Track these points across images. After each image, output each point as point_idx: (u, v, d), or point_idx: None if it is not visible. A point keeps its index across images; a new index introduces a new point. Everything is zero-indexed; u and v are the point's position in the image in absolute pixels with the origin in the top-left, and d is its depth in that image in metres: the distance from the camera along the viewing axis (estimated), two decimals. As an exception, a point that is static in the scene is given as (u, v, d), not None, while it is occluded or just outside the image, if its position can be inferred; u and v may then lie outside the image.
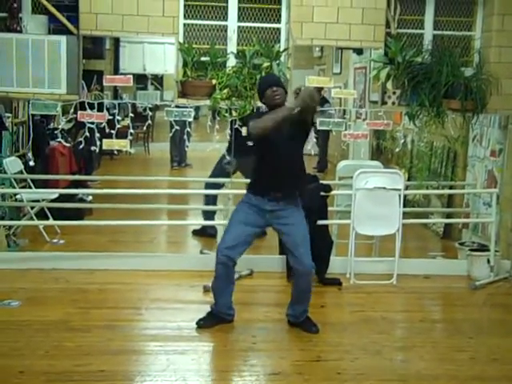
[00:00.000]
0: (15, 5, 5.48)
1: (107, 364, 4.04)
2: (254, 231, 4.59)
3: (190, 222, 7.55)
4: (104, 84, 7.94)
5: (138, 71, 11.73)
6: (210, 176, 6.94)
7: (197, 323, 4.68)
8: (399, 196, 5.77)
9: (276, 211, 4.51)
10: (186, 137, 6.13)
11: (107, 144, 5.71)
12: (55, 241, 6.60)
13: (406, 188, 6.53)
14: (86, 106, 5.62)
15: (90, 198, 7.85)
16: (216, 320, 4.70)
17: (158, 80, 15.53)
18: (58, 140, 5.97)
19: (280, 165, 4.41)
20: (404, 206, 5.94)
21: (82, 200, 7.67)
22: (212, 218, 6.78)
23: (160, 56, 11.33)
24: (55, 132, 6.17)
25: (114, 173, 9.37)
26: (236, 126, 5.70)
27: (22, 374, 3.85)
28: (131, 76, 5.72)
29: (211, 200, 6.77)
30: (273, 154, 4.41)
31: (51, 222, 6.60)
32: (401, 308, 5.44)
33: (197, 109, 5.70)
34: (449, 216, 7.16)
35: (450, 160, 7.34)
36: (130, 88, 12.54)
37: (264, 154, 4.48)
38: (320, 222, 5.70)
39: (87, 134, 5.62)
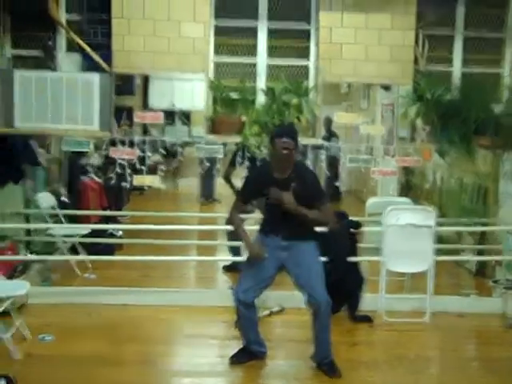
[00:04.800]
0: (50, 43, 5.62)
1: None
2: (269, 273, 4.52)
3: (219, 257, 7.54)
4: (134, 120, 8.04)
5: (166, 107, 11.84)
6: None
7: (230, 359, 4.65)
8: (431, 233, 5.71)
9: (288, 248, 4.45)
10: (215, 172, 6.17)
11: (138, 180, 5.78)
12: (87, 275, 6.63)
13: (438, 225, 6.47)
14: (117, 143, 5.69)
15: (121, 233, 7.91)
16: (248, 356, 4.66)
17: (186, 115, 15.69)
18: (90, 176, 6.03)
19: (286, 213, 4.34)
20: (435, 243, 5.87)
21: (112, 235, 7.73)
22: (240, 254, 6.77)
23: (189, 92, 11.44)
24: (87, 168, 6.25)
25: (144, 208, 9.44)
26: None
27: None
28: (162, 113, 5.81)
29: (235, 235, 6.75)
30: (274, 213, 4.41)
31: (83, 256, 6.65)
32: (434, 346, 5.34)
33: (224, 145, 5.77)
34: (481, 253, 7.05)
35: (481, 196, 7.25)
36: (159, 124, 12.66)
37: (266, 211, 4.55)
38: (350, 259, 5.66)
39: (118, 170, 5.69)
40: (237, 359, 4.64)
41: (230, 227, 5.71)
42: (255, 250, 4.45)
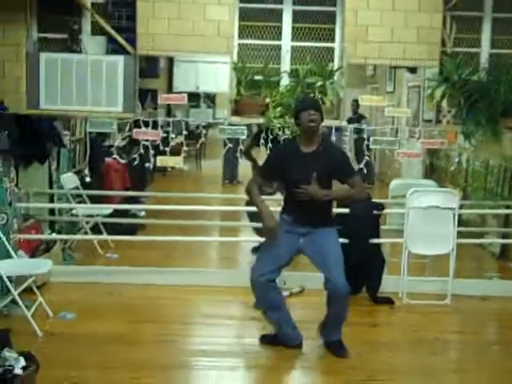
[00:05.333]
0: (75, 27, 5.65)
1: (158, 378, 4.10)
2: (286, 258, 4.49)
3: (240, 238, 7.59)
4: (159, 102, 8.09)
5: (190, 90, 11.86)
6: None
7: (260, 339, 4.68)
8: (453, 215, 5.68)
9: (308, 234, 4.42)
10: (238, 154, 6.18)
11: (161, 161, 5.81)
12: (109, 255, 6.72)
13: (461, 207, 6.42)
14: (141, 124, 5.73)
15: (143, 213, 7.99)
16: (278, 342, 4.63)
17: (211, 98, 15.73)
18: (114, 157, 6.09)
19: (307, 205, 4.31)
20: (458, 226, 5.85)
21: (135, 215, 7.81)
22: None
23: (213, 75, 11.42)
24: (111, 149, 6.31)
25: (166, 189, 9.52)
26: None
27: (76, 385, 3.92)
28: (186, 94, 5.82)
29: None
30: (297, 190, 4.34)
31: (105, 236, 6.73)
32: (455, 329, 5.34)
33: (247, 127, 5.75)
34: (505, 236, 7.00)
35: (507, 179, 7.19)
36: (184, 106, 12.72)
37: (288, 188, 4.46)
38: (372, 241, 5.67)
39: (142, 151, 5.73)
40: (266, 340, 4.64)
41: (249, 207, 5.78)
42: (271, 223, 4.37)
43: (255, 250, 6.99)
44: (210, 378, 4.17)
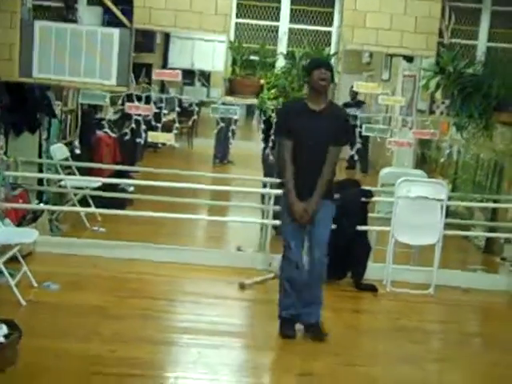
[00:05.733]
0: (72, -5, 5.60)
1: (140, 352, 4.09)
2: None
3: (229, 218, 7.60)
4: (153, 78, 8.02)
5: (186, 67, 11.79)
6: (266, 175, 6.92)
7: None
8: (441, 206, 5.70)
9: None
10: (230, 134, 6.16)
11: (152, 137, 5.78)
12: (96, 228, 6.70)
13: (450, 199, 6.44)
14: (134, 99, 5.69)
15: (132, 188, 7.96)
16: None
17: (206, 77, 15.64)
18: (105, 130, 6.05)
19: (308, 169, 4.37)
20: (446, 217, 5.87)
21: (123, 190, 7.78)
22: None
23: (209, 53, 11.38)
24: (102, 122, 6.26)
25: (157, 165, 9.44)
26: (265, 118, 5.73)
27: (58, 355, 3.93)
28: (179, 71, 5.78)
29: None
30: (301, 158, 4.38)
31: (93, 209, 6.70)
32: (437, 319, 5.40)
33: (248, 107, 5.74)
34: (491, 230, 7.04)
35: (497, 173, 7.22)
36: (178, 83, 12.64)
37: (294, 147, 4.43)
38: (359, 228, 5.68)
39: (133, 125, 5.70)
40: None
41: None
42: (300, 210, 4.36)
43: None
44: (191, 356, 4.17)
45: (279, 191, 5.91)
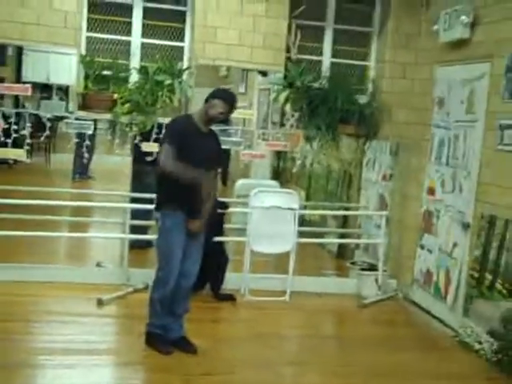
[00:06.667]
0: None
1: (-9, 378, 3.95)
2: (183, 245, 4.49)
3: (86, 234, 7.45)
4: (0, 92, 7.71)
5: (41, 80, 11.43)
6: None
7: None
8: (294, 215, 5.93)
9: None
10: (86, 149, 6.07)
11: (1, 153, 5.59)
12: None
13: (304, 208, 6.71)
14: (-20, 114, 5.49)
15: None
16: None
17: (64, 90, 15.22)
18: None
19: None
20: (301, 226, 6.11)
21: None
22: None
23: (65, 66, 11.07)
24: None
25: (12, 182, 9.08)
26: (137, 141, 5.74)
27: None
28: (29, 85, 5.64)
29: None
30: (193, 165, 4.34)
31: None
32: (292, 324, 5.59)
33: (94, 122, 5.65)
34: (343, 236, 7.41)
35: (346, 182, 7.61)
36: (34, 97, 12.21)
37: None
38: (216, 239, 5.79)
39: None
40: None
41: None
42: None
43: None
44: (46, 377, 4.08)
45: (138, 205, 5.94)
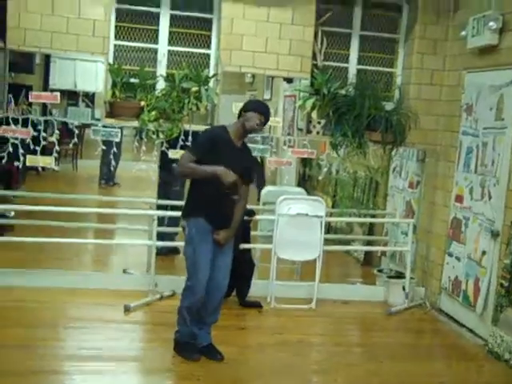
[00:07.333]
0: None
1: (20, 384, 3.97)
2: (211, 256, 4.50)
3: (113, 241, 7.49)
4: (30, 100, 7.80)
5: (68, 87, 11.55)
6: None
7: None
8: (321, 223, 5.91)
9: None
10: (112, 156, 6.13)
11: (31, 160, 5.65)
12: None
13: (330, 215, 6.67)
14: (10, 121, 5.55)
15: (13, 213, 7.68)
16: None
17: (90, 97, 15.36)
18: (-23, 154, 5.84)
19: (224, 198, 4.37)
20: (327, 233, 6.09)
21: (3, 216, 7.50)
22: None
23: (92, 74, 11.18)
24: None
25: (40, 188, 9.18)
26: (163, 148, 5.77)
27: None
28: (58, 93, 5.70)
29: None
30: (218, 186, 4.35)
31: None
32: (319, 332, 5.56)
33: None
34: (369, 244, 7.37)
35: (372, 189, 7.57)
36: (61, 104, 12.34)
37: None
38: (243, 246, 5.78)
39: (10, 149, 5.55)
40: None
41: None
42: (231, 175, 4.25)
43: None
44: (76, 383, 4.10)
45: (164, 212, 5.97)
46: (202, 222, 4.36)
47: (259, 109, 4.41)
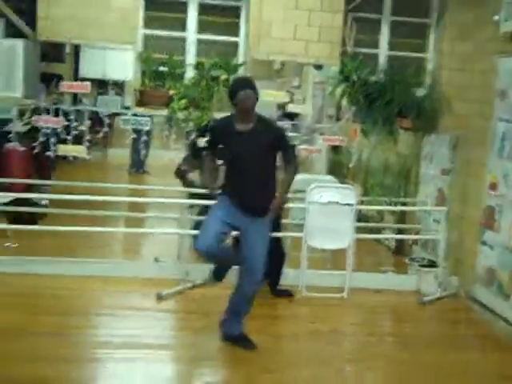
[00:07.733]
0: (-27, 7, 5.45)
1: (54, 371, 4.02)
2: (225, 229, 4.51)
3: (145, 229, 7.54)
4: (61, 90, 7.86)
5: (98, 76, 11.64)
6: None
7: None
8: (351, 211, 5.86)
9: (248, 223, 4.49)
10: (143, 144, 6.15)
11: (62, 150, 5.69)
12: (7, 245, 6.50)
13: (362, 203, 6.60)
14: (42, 110, 5.60)
15: (46, 201, 7.76)
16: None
17: (119, 86, 15.44)
18: (14, 143, 5.91)
19: (246, 179, 4.40)
20: (358, 221, 6.02)
21: (36, 204, 7.58)
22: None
23: (121, 62, 11.25)
24: (11, 135, 6.11)
25: (71, 177, 9.27)
26: (193, 136, 5.76)
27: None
28: (89, 83, 5.72)
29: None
30: (238, 167, 4.43)
31: (3, 225, 6.50)
32: (351, 321, 5.52)
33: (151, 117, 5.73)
34: (400, 232, 7.28)
35: (403, 177, 7.47)
36: (91, 93, 12.42)
37: (229, 167, 4.51)
38: (273, 234, 5.75)
39: (43, 138, 5.60)
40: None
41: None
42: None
43: None
44: (107, 371, 4.14)
45: (195, 201, 5.97)
46: (227, 200, 4.46)
47: (238, 86, 4.39)
